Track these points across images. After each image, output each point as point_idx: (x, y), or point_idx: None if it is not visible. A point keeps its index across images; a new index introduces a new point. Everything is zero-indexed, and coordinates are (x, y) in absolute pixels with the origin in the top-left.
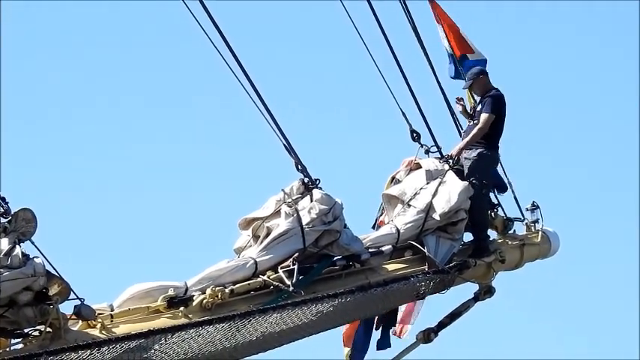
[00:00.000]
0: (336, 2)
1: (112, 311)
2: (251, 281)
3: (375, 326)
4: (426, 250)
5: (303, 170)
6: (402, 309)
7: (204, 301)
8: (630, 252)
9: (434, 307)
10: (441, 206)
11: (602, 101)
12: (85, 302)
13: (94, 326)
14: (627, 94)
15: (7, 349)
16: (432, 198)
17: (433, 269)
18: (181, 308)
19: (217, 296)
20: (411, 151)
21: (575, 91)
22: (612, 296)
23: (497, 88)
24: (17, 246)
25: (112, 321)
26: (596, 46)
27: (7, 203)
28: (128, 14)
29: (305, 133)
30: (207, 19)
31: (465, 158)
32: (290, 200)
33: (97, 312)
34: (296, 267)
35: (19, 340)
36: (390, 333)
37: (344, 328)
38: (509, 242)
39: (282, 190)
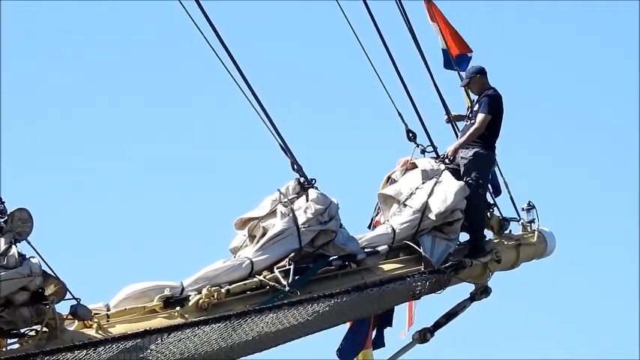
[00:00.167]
0: (332, 2)
1: (108, 311)
2: (247, 281)
3: (370, 326)
4: (421, 250)
5: (298, 170)
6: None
7: (201, 301)
8: (630, 252)
9: (430, 307)
10: (437, 206)
11: (602, 101)
12: (81, 302)
13: (91, 326)
14: (627, 94)
15: (4, 349)
16: (428, 198)
17: (429, 269)
18: (177, 308)
19: (213, 296)
20: (407, 151)
21: (575, 91)
22: (612, 296)
23: (494, 88)
24: (13, 246)
25: (108, 321)
26: (596, 46)
27: (3, 203)
28: (128, 14)
29: (301, 133)
30: (204, 18)
31: (462, 158)
32: (286, 200)
33: (93, 312)
34: (292, 267)
35: (16, 340)
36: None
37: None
38: (506, 242)
39: (278, 189)
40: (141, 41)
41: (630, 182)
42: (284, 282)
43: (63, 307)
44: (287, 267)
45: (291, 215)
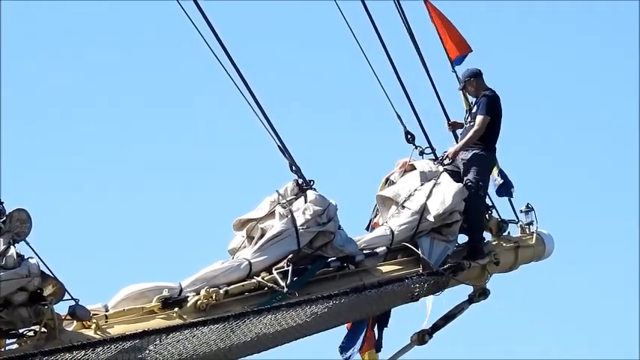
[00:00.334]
0: (330, 3)
1: (106, 312)
2: (245, 282)
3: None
4: (420, 252)
5: (297, 171)
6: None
7: (199, 302)
8: (630, 252)
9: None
10: (436, 208)
11: (602, 101)
12: (79, 303)
13: (89, 327)
14: (627, 94)
15: (2, 350)
16: (427, 199)
17: (427, 271)
18: (176, 309)
19: (212, 297)
20: (406, 153)
21: (575, 91)
22: (612, 296)
23: (491, 89)
24: (12, 246)
25: (106, 321)
26: (596, 46)
27: (2, 203)
28: (128, 14)
29: (299, 134)
30: (203, 19)
31: (462, 159)
32: (284, 201)
33: (92, 312)
34: (290, 268)
35: (14, 340)
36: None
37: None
38: (504, 244)
39: (277, 191)
40: (141, 41)
41: (630, 182)
42: (282, 283)
43: (61, 308)
44: (285, 268)
45: (289, 216)
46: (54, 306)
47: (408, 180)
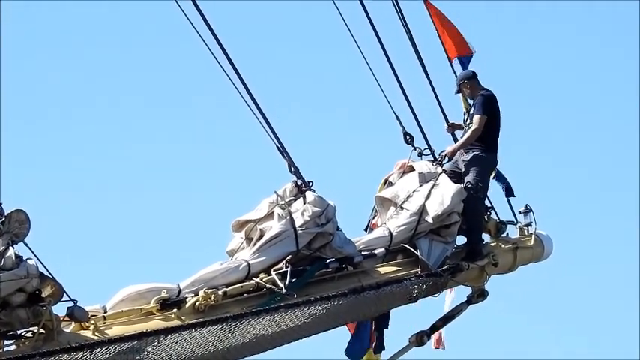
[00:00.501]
0: (329, 3)
1: (104, 313)
2: (244, 283)
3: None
4: (418, 253)
5: (296, 172)
6: None
7: (197, 303)
8: (630, 252)
9: (427, 310)
10: (434, 209)
11: (602, 101)
12: (78, 304)
13: (87, 328)
14: (627, 94)
15: (0, 351)
16: (425, 201)
17: (426, 272)
18: (174, 310)
19: (210, 298)
20: (405, 154)
21: (575, 91)
22: (612, 297)
23: (486, 89)
24: (10, 247)
25: (104, 322)
26: (596, 46)
27: (0, 204)
28: (128, 14)
29: (298, 135)
30: (201, 19)
31: (463, 161)
32: (283, 202)
33: (90, 313)
34: (289, 269)
35: (12, 341)
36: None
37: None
38: (503, 245)
39: (275, 192)
40: (141, 41)
41: (630, 182)
42: (281, 284)
43: (60, 309)
44: (284, 269)
45: (288, 218)
46: (52, 307)
47: (406, 181)
